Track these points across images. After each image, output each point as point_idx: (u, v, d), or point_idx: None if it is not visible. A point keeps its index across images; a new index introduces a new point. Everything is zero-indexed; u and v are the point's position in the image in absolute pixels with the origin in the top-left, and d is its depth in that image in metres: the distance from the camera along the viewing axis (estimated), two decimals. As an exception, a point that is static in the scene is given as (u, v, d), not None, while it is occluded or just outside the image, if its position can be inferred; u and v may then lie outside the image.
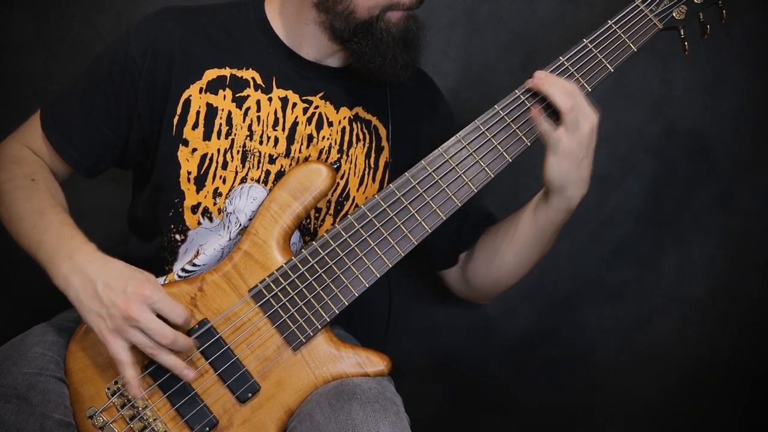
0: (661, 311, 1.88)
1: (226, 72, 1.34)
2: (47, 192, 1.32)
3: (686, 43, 1.36)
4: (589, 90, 1.29)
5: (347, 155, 1.39)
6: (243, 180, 1.34)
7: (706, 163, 1.85)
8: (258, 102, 1.35)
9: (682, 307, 1.88)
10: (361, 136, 1.41)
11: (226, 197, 1.34)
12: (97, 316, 1.17)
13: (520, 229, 1.37)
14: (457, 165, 1.29)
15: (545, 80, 1.26)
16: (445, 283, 1.58)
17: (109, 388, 1.22)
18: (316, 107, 1.37)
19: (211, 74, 1.34)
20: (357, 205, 1.40)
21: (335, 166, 1.38)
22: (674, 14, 1.32)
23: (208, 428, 1.21)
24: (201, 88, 1.33)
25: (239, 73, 1.34)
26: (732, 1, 1.35)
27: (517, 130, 1.29)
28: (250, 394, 1.23)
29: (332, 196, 1.39)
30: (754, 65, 1.80)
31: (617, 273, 1.87)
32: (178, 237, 1.36)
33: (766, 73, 1.81)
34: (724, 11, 1.35)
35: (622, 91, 1.79)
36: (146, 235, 1.42)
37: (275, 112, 1.35)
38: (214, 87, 1.33)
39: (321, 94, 1.37)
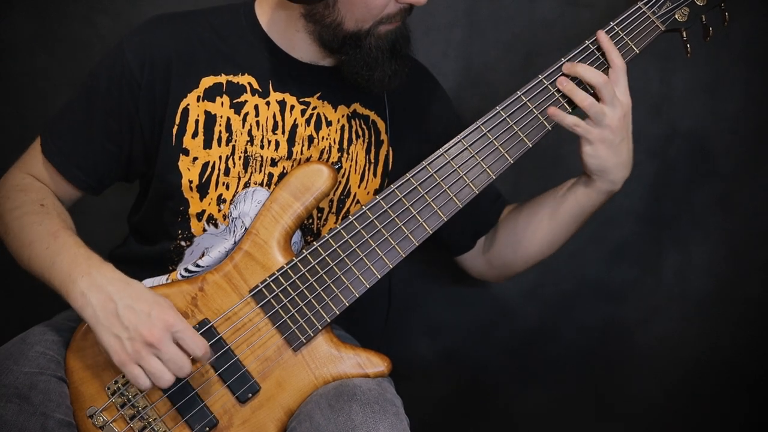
0: (661, 311, 1.88)
1: (222, 79, 1.33)
2: (58, 216, 1.29)
3: (688, 45, 1.36)
4: (592, 92, 1.29)
5: (348, 153, 1.39)
6: (246, 185, 1.33)
7: (706, 163, 1.84)
8: (256, 107, 1.34)
9: (682, 307, 1.88)
10: (360, 133, 1.40)
11: (230, 203, 1.33)
12: (114, 338, 1.14)
13: (554, 209, 1.39)
14: (458, 166, 1.28)
15: (576, 65, 1.28)
16: (462, 266, 1.58)
17: (109, 388, 1.22)
18: (314, 108, 1.37)
19: (207, 82, 1.33)
20: (358, 201, 1.40)
21: (337, 167, 1.38)
22: (677, 16, 1.32)
23: (208, 428, 1.21)
24: (198, 97, 1.32)
25: (235, 79, 1.34)
26: (733, 1, 1.35)
27: (519, 132, 1.29)
28: (250, 395, 1.23)
29: (334, 195, 1.39)
30: (754, 65, 1.79)
31: (617, 273, 1.87)
32: (183, 243, 1.36)
33: (766, 73, 1.80)
34: (726, 13, 1.34)
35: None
36: (150, 239, 1.42)
37: (274, 116, 1.34)
38: (211, 94, 1.32)
39: (318, 95, 1.37)
